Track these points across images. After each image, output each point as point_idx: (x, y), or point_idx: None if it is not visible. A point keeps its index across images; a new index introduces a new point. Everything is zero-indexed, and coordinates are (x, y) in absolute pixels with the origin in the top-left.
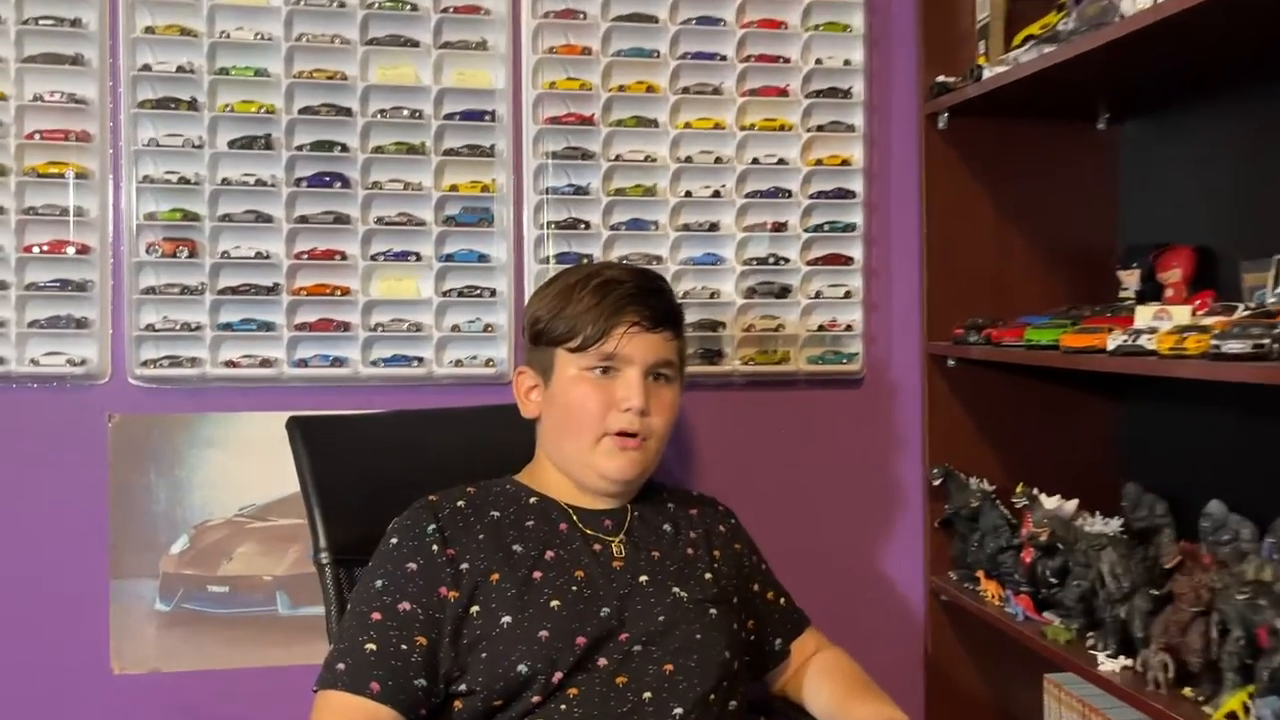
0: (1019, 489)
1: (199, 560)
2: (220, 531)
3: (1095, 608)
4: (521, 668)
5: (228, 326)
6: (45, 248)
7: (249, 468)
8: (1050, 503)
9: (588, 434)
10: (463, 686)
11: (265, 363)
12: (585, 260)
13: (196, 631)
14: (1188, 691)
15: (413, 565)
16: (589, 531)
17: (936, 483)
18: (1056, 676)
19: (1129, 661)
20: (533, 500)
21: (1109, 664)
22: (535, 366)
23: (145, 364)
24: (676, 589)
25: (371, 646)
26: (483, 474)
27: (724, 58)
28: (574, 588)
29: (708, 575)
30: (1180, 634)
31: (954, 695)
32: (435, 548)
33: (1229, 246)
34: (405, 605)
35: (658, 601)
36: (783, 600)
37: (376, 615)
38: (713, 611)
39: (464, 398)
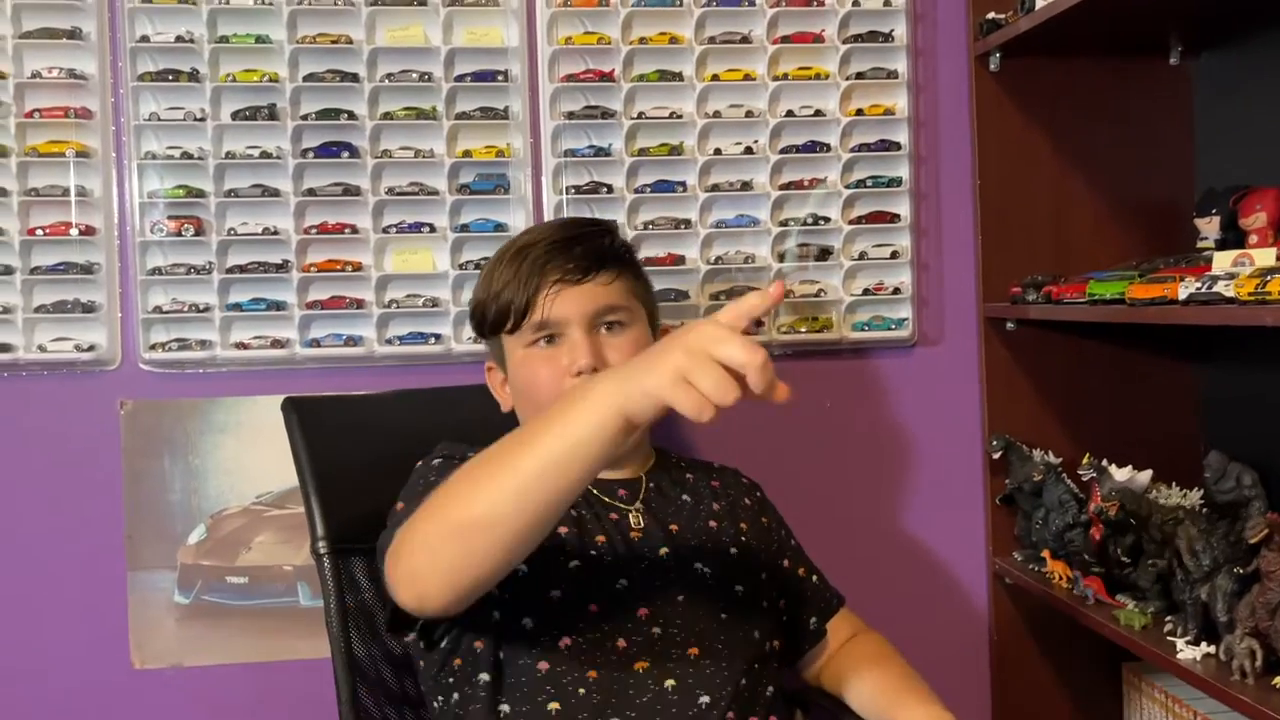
0: (1085, 460)
1: (217, 550)
2: (238, 520)
3: (1173, 589)
4: (526, 621)
5: (237, 306)
6: (48, 230)
7: (264, 453)
8: (1121, 474)
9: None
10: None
11: (277, 343)
12: None
13: (217, 624)
14: (1279, 681)
15: (458, 459)
16: (605, 499)
17: (996, 455)
18: (1136, 665)
19: (1211, 649)
20: None
21: (1189, 651)
22: (495, 359)
23: (154, 348)
24: (699, 564)
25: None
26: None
27: (752, 3)
28: (592, 553)
29: (733, 550)
30: (1269, 617)
31: (1023, 686)
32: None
33: None
34: None
35: (678, 578)
36: (815, 578)
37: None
38: (739, 588)
39: (483, 375)
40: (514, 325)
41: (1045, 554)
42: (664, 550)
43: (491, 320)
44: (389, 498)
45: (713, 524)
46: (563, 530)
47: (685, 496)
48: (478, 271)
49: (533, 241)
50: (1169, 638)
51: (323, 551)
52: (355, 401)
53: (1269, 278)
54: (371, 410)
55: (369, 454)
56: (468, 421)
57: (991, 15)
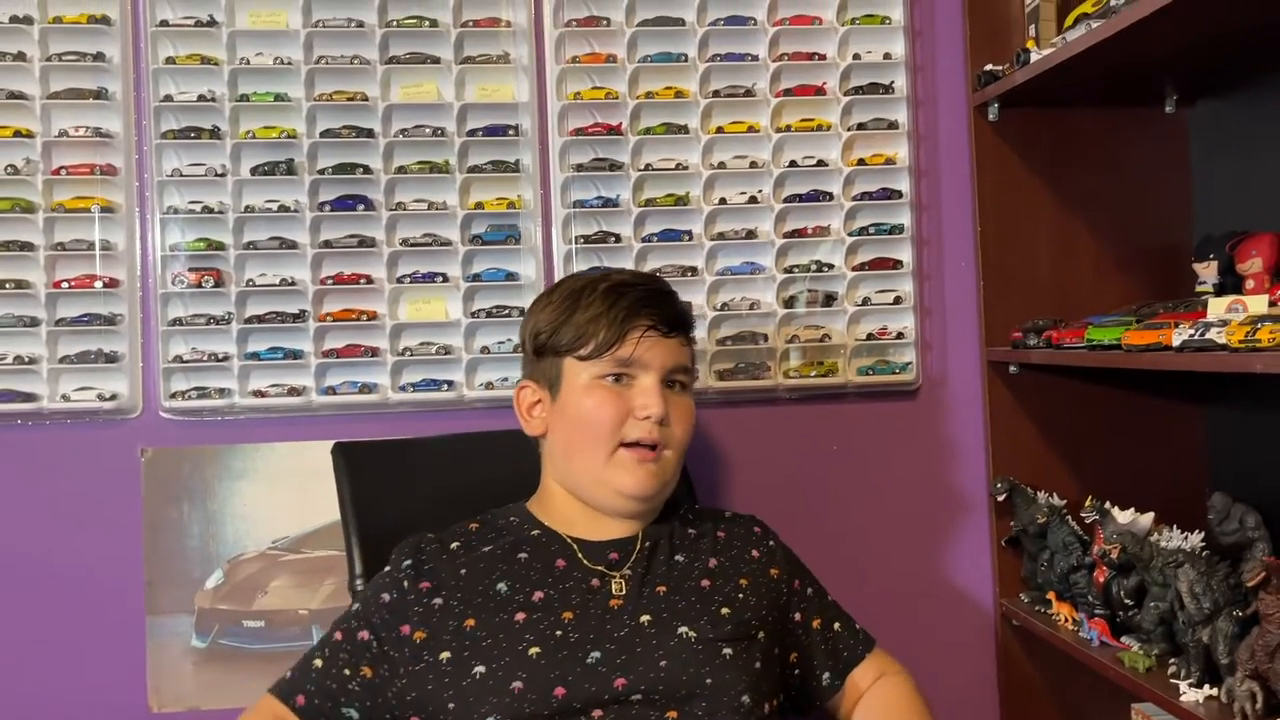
0: (1088, 502)
1: (234, 595)
2: (254, 565)
3: (1176, 631)
4: (492, 718)
5: (255, 356)
6: (73, 283)
7: (281, 499)
8: (1123, 517)
9: (602, 446)
10: None
11: (293, 391)
12: None
13: (234, 668)
14: None
15: (386, 596)
16: (590, 565)
17: (1001, 498)
18: (1145, 706)
19: (1214, 691)
20: (535, 533)
21: (1192, 694)
22: (539, 379)
23: (174, 396)
24: (684, 628)
25: (318, 663)
26: (522, 498)
27: (755, 58)
28: (558, 632)
29: (725, 610)
30: (1269, 659)
31: None
32: (407, 583)
33: None
34: (364, 634)
35: (660, 644)
36: (837, 626)
37: (338, 636)
38: (727, 651)
39: (496, 421)
40: (593, 353)
41: (1051, 596)
42: (645, 617)
43: (566, 342)
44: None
45: (705, 583)
46: (520, 617)
47: (679, 556)
48: (490, 319)
49: (628, 283)
50: (1172, 680)
51: (359, 588)
52: (399, 446)
53: (1259, 325)
54: (415, 454)
55: (411, 496)
56: (500, 465)
57: (989, 67)
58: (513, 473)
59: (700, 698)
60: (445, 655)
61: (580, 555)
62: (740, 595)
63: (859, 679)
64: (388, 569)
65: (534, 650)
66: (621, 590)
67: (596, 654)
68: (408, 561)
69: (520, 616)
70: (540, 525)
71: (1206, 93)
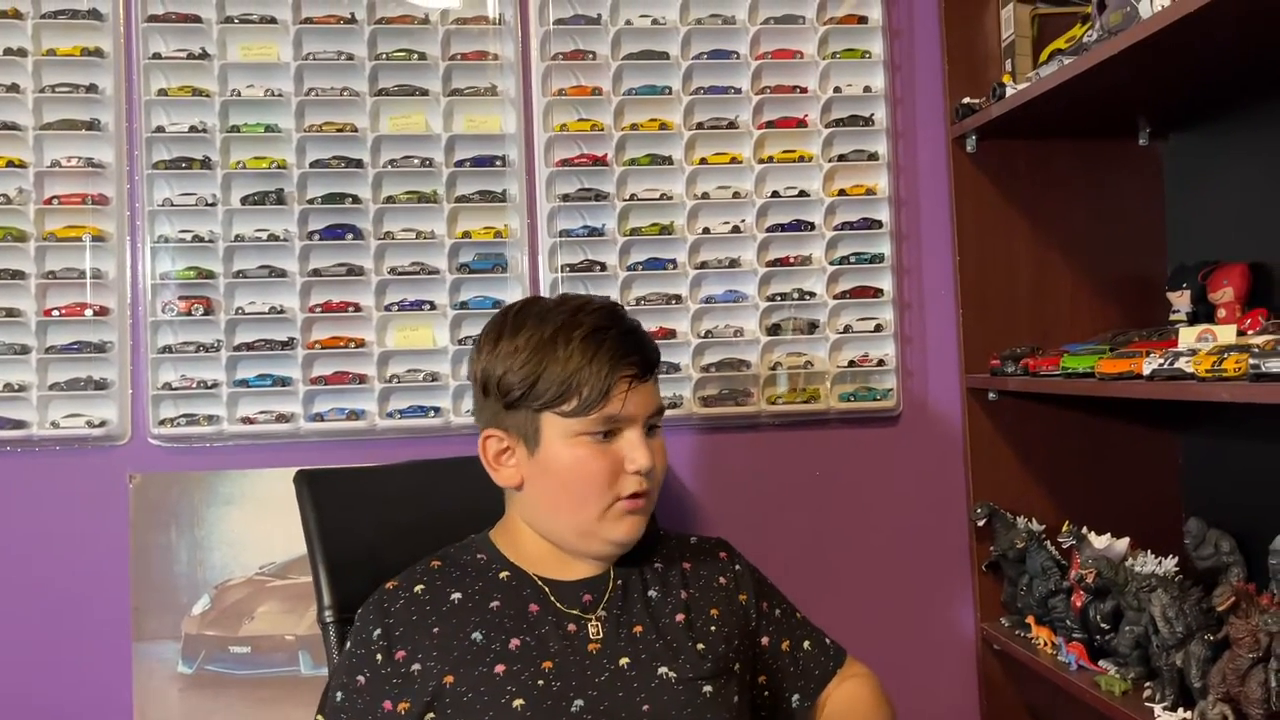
0: (1065, 528)
1: (221, 621)
2: (241, 591)
3: (1151, 655)
4: None
5: (244, 383)
6: (64, 311)
7: (268, 525)
8: (1099, 542)
9: (595, 504)
10: None
11: (281, 418)
12: None
13: (220, 693)
14: None
15: (361, 678)
16: (565, 609)
17: (980, 523)
18: None
19: (1188, 714)
20: (504, 575)
21: (1166, 716)
22: (511, 430)
23: (163, 423)
24: (664, 669)
25: None
26: (488, 524)
27: (738, 90)
28: (540, 682)
29: (700, 645)
30: (1239, 683)
31: None
32: (380, 657)
33: None
34: None
35: (641, 687)
36: (806, 645)
37: None
38: (707, 689)
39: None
40: (577, 411)
41: (1030, 620)
42: (624, 660)
43: (547, 398)
44: (395, 567)
45: (680, 618)
46: (499, 669)
47: (651, 592)
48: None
49: (602, 326)
50: (1148, 703)
51: (329, 620)
52: (364, 473)
53: (1226, 355)
54: (379, 482)
55: (377, 524)
56: (470, 491)
57: (966, 100)
58: (479, 499)
59: None
60: (430, 717)
61: (553, 599)
62: (713, 628)
63: (828, 692)
64: (356, 641)
65: (518, 703)
66: (599, 634)
67: (580, 702)
68: (377, 631)
69: (500, 669)
70: (509, 565)
71: (1178, 126)
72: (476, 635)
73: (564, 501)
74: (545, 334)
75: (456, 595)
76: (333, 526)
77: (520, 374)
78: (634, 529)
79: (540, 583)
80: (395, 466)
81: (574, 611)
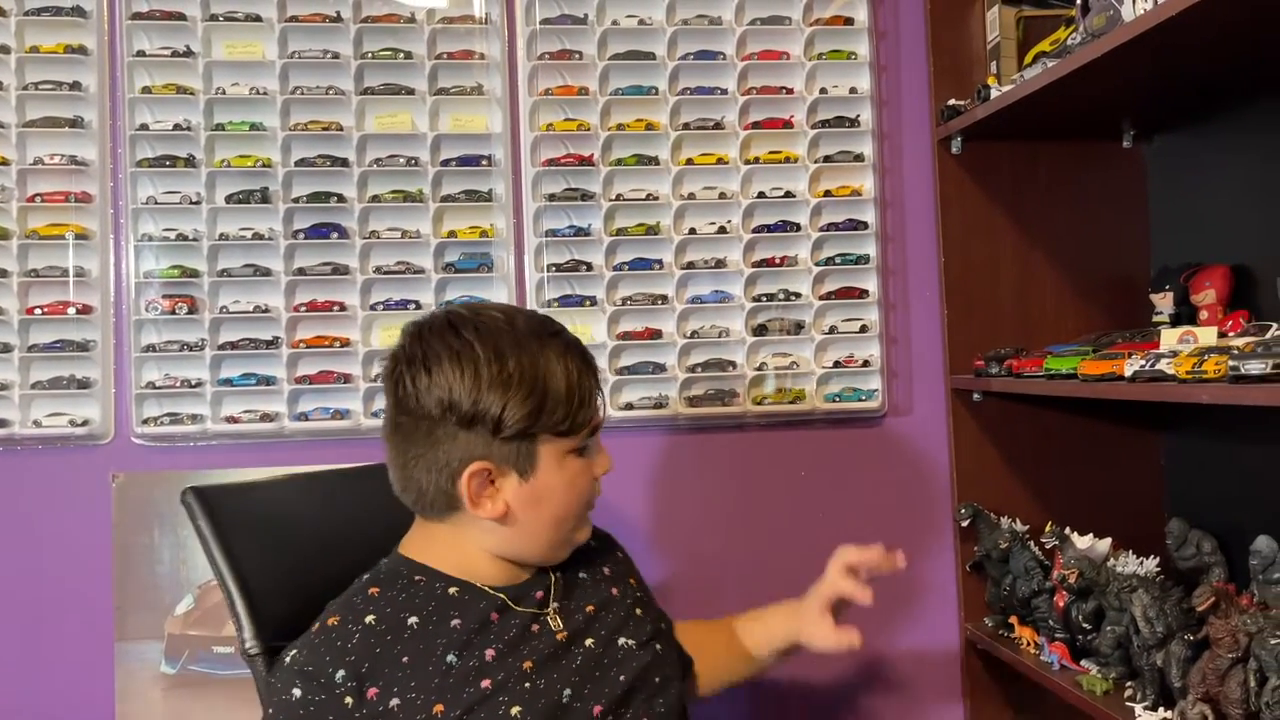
0: (1048, 528)
1: (204, 620)
2: None
3: (1132, 655)
4: None
5: (228, 382)
6: (46, 309)
7: None
8: (1082, 542)
9: (577, 516)
10: None
11: (266, 417)
12: (588, 303)
13: (203, 694)
14: None
15: None
16: (524, 610)
17: (965, 523)
18: None
19: (1169, 714)
20: (453, 591)
21: (1146, 716)
22: (502, 461)
23: (146, 421)
24: (622, 639)
25: None
26: (390, 531)
27: (725, 91)
28: (527, 684)
29: (638, 611)
30: (1219, 682)
31: None
32: (350, 700)
33: (1268, 264)
34: None
35: (611, 660)
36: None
37: None
38: (658, 648)
39: None
40: (571, 430)
41: (1014, 620)
42: (589, 641)
43: (552, 421)
44: (315, 586)
45: (614, 591)
46: (486, 683)
47: (582, 575)
48: None
49: (567, 339)
50: (1129, 703)
51: (254, 652)
52: (262, 485)
53: (1207, 356)
54: (278, 495)
55: (286, 541)
56: (379, 499)
57: (952, 102)
58: (388, 507)
59: (656, 696)
60: None
61: (511, 603)
62: (638, 594)
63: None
64: (312, 687)
65: (515, 710)
66: (559, 624)
67: (568, 691)
68: (340, 672)
69: (486, 683)
70: (453, 580)
71: (1162, 128)
72: (450, 657)
73: (552, 522)
74: (530, 358)
75: (413, 620)
76: (241, 548)
77: (526, 404)
78: (590, 528)
79: (493, 592)
80: (298, 476)
81: (532, 610)
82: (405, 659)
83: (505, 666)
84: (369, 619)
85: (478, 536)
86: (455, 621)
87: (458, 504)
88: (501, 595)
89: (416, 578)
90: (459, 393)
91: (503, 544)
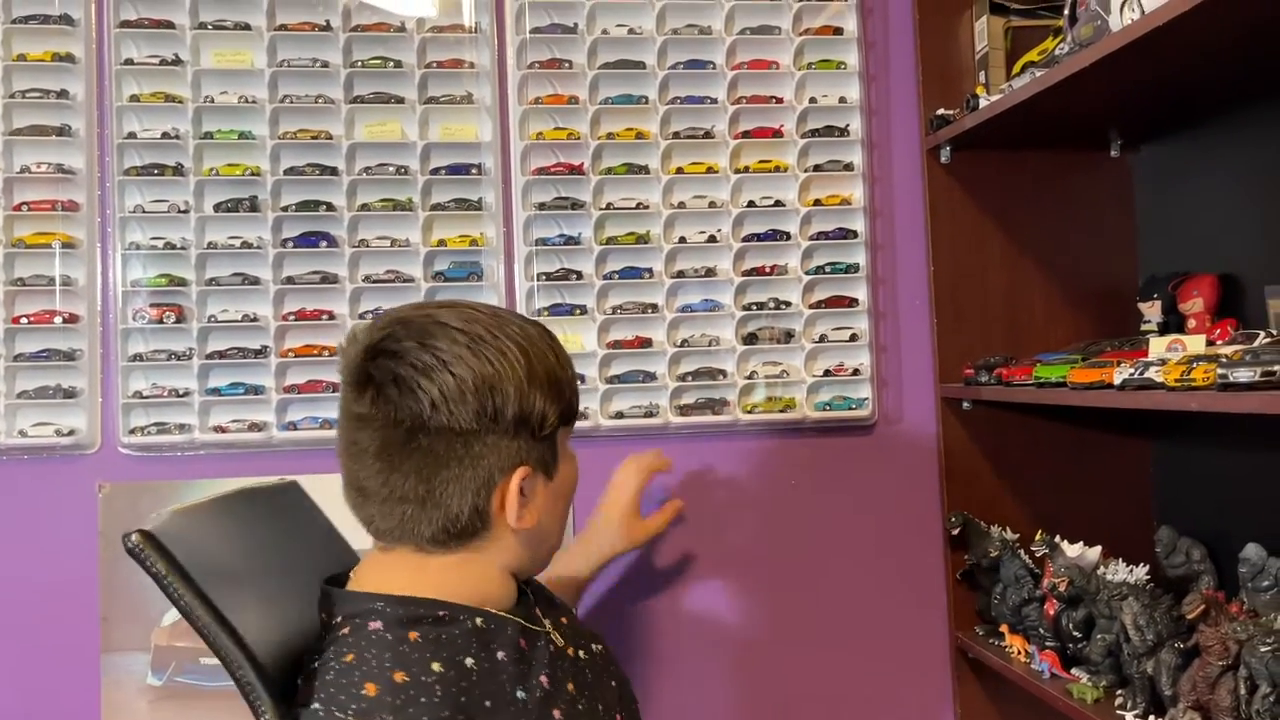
0: (1038, 536)
1: (190, 632)
2: None
3: (1123, 663)
4: None
5: (216, 391)
6: (32, 318)
7: None
8: (1072, 550)
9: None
10: None
11: (254, 427)
12: (578, 312)
13: (189, 706)
14: None
15: None
16: (538, 629)
17: (955, 532)
18: None
19: None
20: (479, 622)
21: None
22: (539, 464)
23: (133, 431)
24: (593, 645)
25: None
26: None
27: (714, 100)
28: (580, 705)
29: (575, 611)
30: (1209, 690)
31: None
32: None
33: (1255, 273)
34: None
35: (602, 668)
36: None
37: None
38: (603, 646)
39: None
40: (576, 414)
41: (1004, 628)
42: (582, 653)
43: (570, 410)
44: (295, 609)
45: (556, 597)
46: (557, 714)
47: (530, 585)
48: None
49: (550, 334)
50: (1119, 711)
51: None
52: (195, 513)
53: (1195, 364)
54: (218, 518)
55: (256, 569)
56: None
57: (941, 111)
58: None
59: (628, 691)
60: None
61: (526, 625)
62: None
63: None
64: None
65: None
66: (560, 640)
67: (600, 706)
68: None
69: (557, 713)
70: (474, 611)
71: (1149, 137)
72: (519, 693)
73: (561, 519)
74: (537, 347)
75: (469, 660)
76: (218, 591)
77: (556, 395)
78: None
79: (509, 616)
80: (225, 497)
81: (540, 629)
82: (488, 703)
83: (561, 693)
84: (436, 667)
85: (495, 556)
86: (500, 655)
87: (488, 523)
88: (518, 619)
89: (440, 613)
90: (502, 396)
91: (519, 557)
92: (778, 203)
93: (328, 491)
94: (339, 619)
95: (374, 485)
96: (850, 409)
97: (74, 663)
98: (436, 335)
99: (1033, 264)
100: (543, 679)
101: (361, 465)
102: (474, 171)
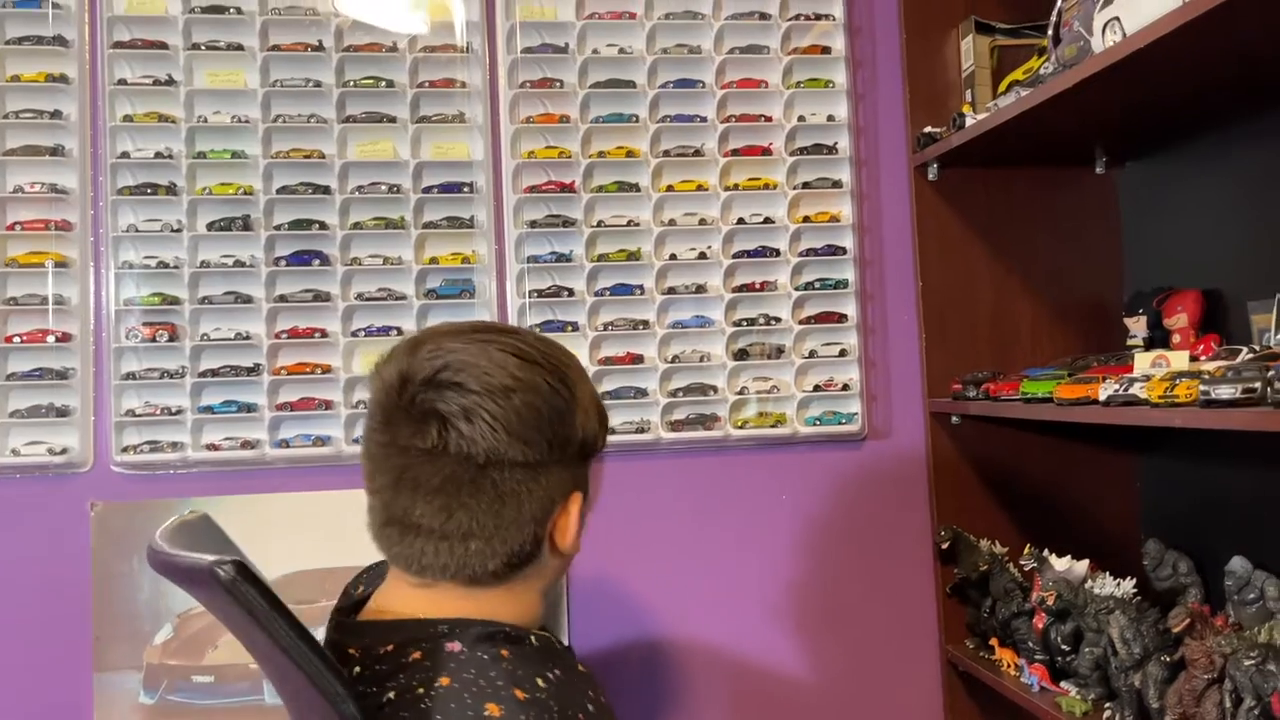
0: (1027, 550)
1: (183, 650)
2: (204, 619)
3: (1110, 676)
4: None
5: (209, 409)
6: (25, 337)
7: (232, 554)
8: (1060, 564)
9: None
10: None
11: (247, 445)
12: (569, 328)
13: None
14: None
15: None
16: (565, 646)
17: (945, 546)
18: None
19: None
20: (534, 641)
21: None
22: (583, 486)
23: (126, 450)
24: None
25: None
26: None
27: (704, 119)
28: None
29: None
30: (1195, 703)
31: None
32: None
33: (1238, 288)
34: None
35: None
36: None
37: None
38: None
39: None
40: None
41: (994, 642)
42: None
43: (608, 429)
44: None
45: None
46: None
47: None
48: None
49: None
50: None
51: None
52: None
53: (1179, 381)
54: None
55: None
56: None
57: (928, 129)
58: None
59: None
60: None
61: (559, 642)
62: None
63: None
64: None
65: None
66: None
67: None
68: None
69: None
70: (526, 632)
71: (1134, 155)
72: (590, 706)
73: (580, 532)
74: (584, 374)
75: (551, 675)
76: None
77: (606, 422)
78: None
79: (546, 634)
80: (174, 529)
81: (567, 646)
82: (591, 708)
83: (609, 709)
84: (540, 682)
85: (538, 580)
86: (557, 671)
87: (540, 549)
88: (553, 636)
89: (507, 629)
90: (574, 424)
91: (556, 576)
92: (767, 220)
93: (318, 508)
94: (390, 648)
95: (432, 522)
96: (840, 424)
97: (67, 682)
98: (494, 363)
99: (1019, 279)
100: (600, 696)
101: (415, 501)
102: (466, 190)
